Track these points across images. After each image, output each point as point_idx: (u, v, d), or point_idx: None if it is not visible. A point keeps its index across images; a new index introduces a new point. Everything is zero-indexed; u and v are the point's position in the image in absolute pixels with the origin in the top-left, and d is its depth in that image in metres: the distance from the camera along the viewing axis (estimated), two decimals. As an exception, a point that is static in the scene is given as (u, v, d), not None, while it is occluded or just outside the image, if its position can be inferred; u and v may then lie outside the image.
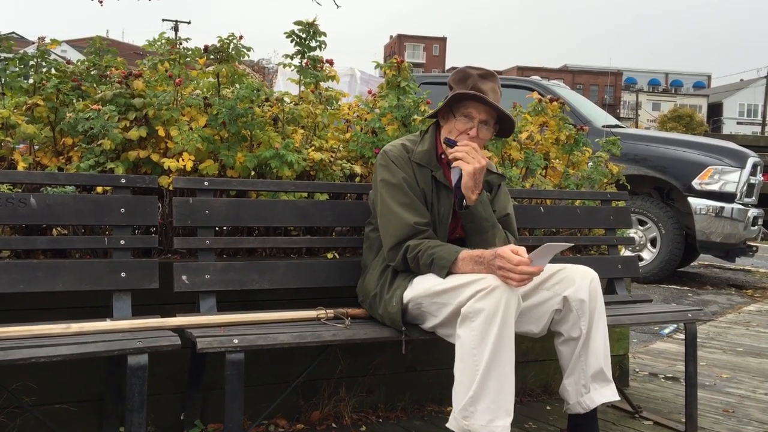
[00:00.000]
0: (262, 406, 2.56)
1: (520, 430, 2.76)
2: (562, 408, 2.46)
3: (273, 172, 2.75)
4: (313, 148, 2.93)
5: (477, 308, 2.07)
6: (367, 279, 2.48)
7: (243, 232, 2.74)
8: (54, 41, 2.92)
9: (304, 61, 3.14)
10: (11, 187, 2.37)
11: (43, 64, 2.83)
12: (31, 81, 2.81)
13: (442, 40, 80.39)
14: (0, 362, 1.79)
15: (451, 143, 2.38)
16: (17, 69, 2.82)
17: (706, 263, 9.28)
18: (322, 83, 3.20)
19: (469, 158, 2.32)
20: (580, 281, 2.33)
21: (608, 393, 2.36)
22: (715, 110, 64.95)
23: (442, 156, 2.45)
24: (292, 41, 3.13)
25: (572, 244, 2.63)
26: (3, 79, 2.80)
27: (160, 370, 2.42)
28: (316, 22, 3.12)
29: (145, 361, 1.93)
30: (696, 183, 6.74)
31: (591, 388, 2.34)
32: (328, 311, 2.41)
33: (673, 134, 8.81)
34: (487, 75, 2.43)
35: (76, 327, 2.04)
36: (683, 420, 2.91)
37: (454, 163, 2.36)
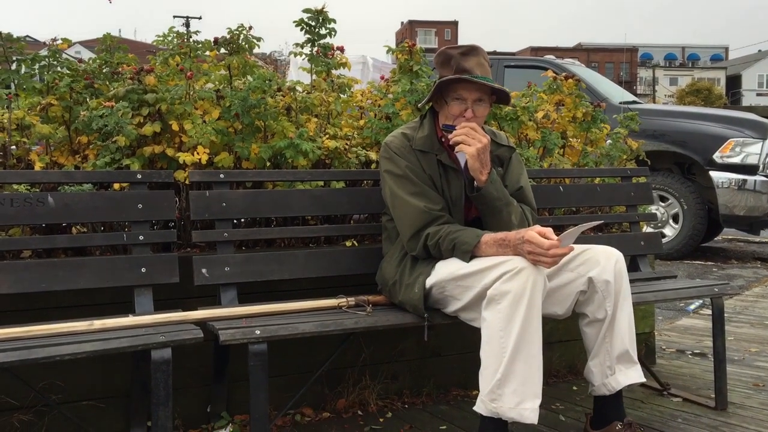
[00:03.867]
0: (287, 396, 2.56)
1: (546, 411, 2.74)
2: (588, 389, 2.43)
3: (288, 161, 2.74)
4: (327, 136, 2.91)
5: (503, 290, 2.05)
6: (384, 267, 2.47)
7: (261, 223, 2.73)
8: (65, 40, 2.92)
9: (315, 49, 3.12)
10: (29, 187, 2.38)
11: (55, 63, 2.83)
12: (44, 81, 2.81)
13: (454, 24, 79.81)
14: (25, 361, 1.80)
15: (450, 129, 2.34)
16: (30, 70, 2.83)
17: (730, 237, 9.15)
18: (333, 71, 3.18)
19: (469, 140, 2.27)
20: (605, 262, 2.29)
21: (634, 374, 2.32)
22: (734, 82, 64.04)
23: (443, 139, 2.41)
24: (301, 29, 3.11)
25: (602, 221, 2.57)
26: (16, 80, 2.81)
27: (184, 364, 2.43)
28: (325, 9, 3.09)
29: (169, 355, 1.94)
30: (717, 156, 6.63)
31: (616, 370, 2.31)
32: (349, 299, 2.40)
33: (691, 108, 8.69)
34: (468, 51, 2.35)
35: (99, 324, 2.05)
36: (713, 396, 2.87)
37: (457, 148, 2.32)
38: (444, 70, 2.37)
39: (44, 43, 2.96)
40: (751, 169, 6.61)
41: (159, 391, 1.93)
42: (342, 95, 3.18)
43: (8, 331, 1.95)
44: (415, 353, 2.90)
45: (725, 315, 2.94)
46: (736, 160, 6.61)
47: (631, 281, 2.41)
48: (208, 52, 2.98)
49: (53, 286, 2.18)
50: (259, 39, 2.92)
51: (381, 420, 2.68)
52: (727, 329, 3.46)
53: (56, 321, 2.06)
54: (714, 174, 6.63)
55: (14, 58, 2.81)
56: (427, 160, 2.39)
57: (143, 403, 2.33)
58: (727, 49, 78.58)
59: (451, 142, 2.33)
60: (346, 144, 2.93)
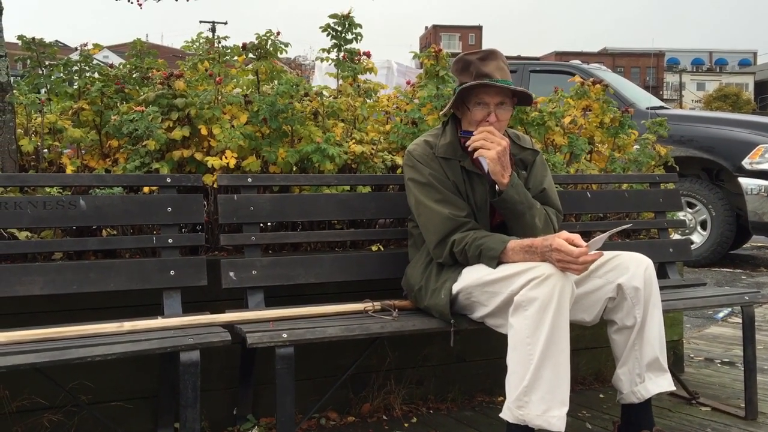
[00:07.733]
0: (312, 399, 2.57)
1: (573, 419, 2.71)
2: (616, 397, 2.41)
3: (315, 166, 2.75)
4: (353, 141, 2.92)
5: (530, 297, 2.03)
6: (410, 273, 2.46)
7: (287, 227, 2.75)
8: (96, 46, 2.97)
9: (341, 54, 3.13)
10: (61, 190, 2.42)
11: (87, 68, 2.88)
12: (75, 86, 2.86)
13: (478, 29, 79.68)
14: (56, 362, 1.82)
15: (469, 135, 2.33)
16: (62, 75, 2.88)
17: (759, 245, 9.01)
18: (360, 76, 3.19)
19: (488, 144, 2.26)
20: (635, 268, 2.26)
21: (663, 383, 2.29)
22: (763, 88, 63.11)
23: (466, 145, 2.40)
24: (328, 35, 3.12)
25: (629, 225, 2.52)
26: (49, 85, 2.86)
27: (211, 366, 2.45)
28: (351, 14, 3.11)
29: (197, 357, 1.95)
30: (746, 162, 6.53)
31: (645, 378, 2.28)
32: (375, 303, 2.40)
33: (720, 113, 8.57)
34: (487, 56, 2.35)
35: (128, 325, 2.07)
36: (742, 405, 2.82)
37: (476, 153, 2.31)
38: (463, 77, 2.36)
39: (76, 48, 3.01)
40: (781, 176, 6.50)
41: (187, 392, 1.94)
42: (368, 100, 3.19)
43: (40, 331, 1.98)
44: (441, 359, 2.90)
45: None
46: (766, 166, 6.51)
47: (660, 288, 2.38)
48: (236, 57, 3.01)
49: (84, 288, 2.21)
50: (286, 44, 2.94)
51: (406, 425, 2.67)
52: (757, 338, 3.40)
53: (87, 322, 2.08)
54: (743, 180, 6.53)
55: (46, 63, 2.87)
56: (451, 166, 2.39)
57: (171, 405, 2.35)
58: (755, 53, 77.50)
59: (470, 148, 2.33)
60: (372, 149, 2.94)
